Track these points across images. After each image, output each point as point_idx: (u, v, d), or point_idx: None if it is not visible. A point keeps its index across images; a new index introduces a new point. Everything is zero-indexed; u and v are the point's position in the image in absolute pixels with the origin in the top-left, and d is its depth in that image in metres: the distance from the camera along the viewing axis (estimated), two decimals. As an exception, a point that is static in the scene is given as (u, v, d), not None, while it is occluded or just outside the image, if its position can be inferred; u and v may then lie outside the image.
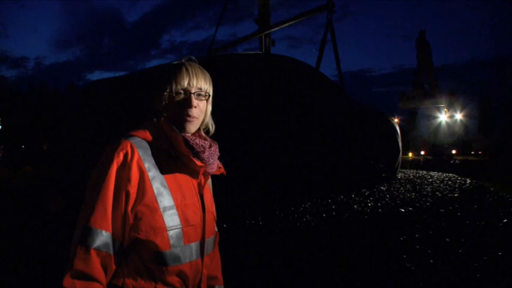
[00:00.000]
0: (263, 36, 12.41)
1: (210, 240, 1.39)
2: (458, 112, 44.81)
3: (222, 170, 1.44)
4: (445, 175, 9.20)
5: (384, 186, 6.28)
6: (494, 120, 53.18)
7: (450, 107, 44.04)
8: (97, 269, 1.16)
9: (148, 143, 1.30)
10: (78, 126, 6.40)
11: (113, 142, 1.26)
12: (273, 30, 12.01)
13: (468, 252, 3.45)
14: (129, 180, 1.20)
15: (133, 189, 1.21)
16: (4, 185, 10.35)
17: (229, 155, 1.48)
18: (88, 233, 1.16)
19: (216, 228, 1.52)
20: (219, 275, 1.54)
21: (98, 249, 1.16)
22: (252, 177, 5.04)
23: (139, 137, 1.29)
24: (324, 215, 4.42)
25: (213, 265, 1.50)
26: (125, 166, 1.21)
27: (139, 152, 1.25)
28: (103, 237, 1.17)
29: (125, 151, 1.23)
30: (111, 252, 1.19)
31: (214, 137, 1.47)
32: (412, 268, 3.11)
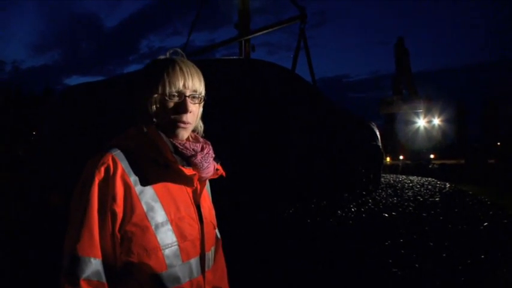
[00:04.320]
0: (243, 42, 12.39)
1: (210, 253, 1.27)
2: (436, 117, 45.65)
3: (221, 171, 1.31)
4: (424, 179, 9.31)
5: (366, 191, 6.31)
6: (469, 125, 54.40)
7: (428, 112, 44.83)
8: None
9: (133, 153, 1.17)
10: (57, 131, 6.26)
11: (94, 156, 1.14)
12: (252, 36, 12.02)
13: (452, 256, 3.48)
14: (113, 198, 1.08)
15: (119, 207, 1.09)
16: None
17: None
18: (76, 263, 1.05)
19: (218, 235, 1.42)
20: (224, 285, 1.41)
21: (88, 279, 1.05)
22: (232, 183, 4.99)
23: (123, 147, 1.16)
24: (309, 220, 4.41)
25: (217, 275, 1.37)
26: (108, 182, 1.09)
27: (122, 165, 1.12)
28: (93, 265, 1.06)
29: (106, 165, 1.10)
30: (104, 280, 1.07)
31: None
32: (398, 273, 3.12)
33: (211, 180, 1.37)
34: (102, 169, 1.10)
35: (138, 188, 1.12)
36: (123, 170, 1.12)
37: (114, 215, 1.08)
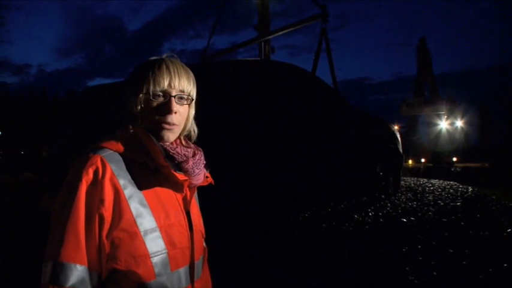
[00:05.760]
0: (263, 43, 12.34)
1: (199, 262, 1.21)
2: (458, 119, 44.78)
3: (210, 179, 1.25)
4: (446, 183, 9.11)
5: (385, 195, 6.18)
6: (493, 128, 53.26)
7: (450, 114, 44.00)
8: None
9: (122, 155, 1.11)
10: (75, 131, 6.32)
11: (80, 157, 1.07)
12: (271, 36, 11.91)
13: (472, 264, 3.34)
14: (102, 201, 1.02)
15: (107, 211, 1.02)
16: (2, 190, 10.27)
17: (225, 162, 1.31)
18: (60, 270, 0.97)
19: (204, 244, 1.34)
20: None
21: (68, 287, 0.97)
22: (249, 185, 4.95)
23: (111, 149, 1.10)
24: (324, 225, 4.32)
25: (204, 286, 1.30)
26: (96, 185, 1.03)
27: (112, 167, 1.06)
28: (78, 272, 0.99)
29: (94, 167, 1.04)
30: None
31: (200, 143, 1.29)
32: (415, 281, 3.01)
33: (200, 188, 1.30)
34: (91, 170, 1.04)
35: (127, 191, 1.06)
36: (112, 173, 1.06)
37: (101, 219, 1.02)
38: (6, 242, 4.81)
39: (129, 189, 1.07)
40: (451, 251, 3.62)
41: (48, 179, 5.87)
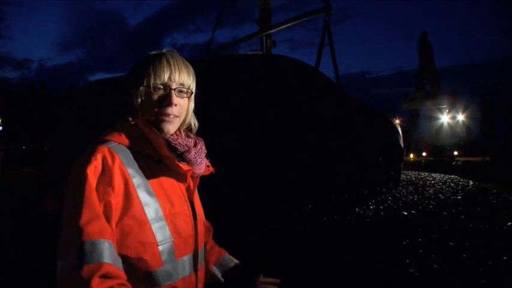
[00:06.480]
0: (264, 38, 12.31)
1: (202, 251, 1.25)
2: (460, 113, 44.70)
3: (211, 169, 1.28)
4: (447, 177, 9.09)
5: (386, 189, 6.18)
6: (495, 122, 53.14)
7: (452, 108, 43.94)
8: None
9: (126, 147, 1.13)
10: (76, 126, 6.32)
11: (86, 150, 1.09)
12: (273, 30, 11.91)
13: (473, 257, 3.36)
14: (112, 188, 1.03)
15: (117, 198, 1.04)
16: (3, 185, 10.31)
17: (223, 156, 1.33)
18: (90, 248, 0.92)
19: (206, 224, 1.41)
20: (223, 253, 1.46)
21: (113, 265, 0.95)
22: (247, 178, 4.95)
23: (116, 141, 1.13)
24: (325, 218, 4.34)
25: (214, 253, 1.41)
26: (105, 172, 1.04)
27: (120, 157, 1.08)
28: (110, 248, 0.96)
29: (103, 155, 1.06)
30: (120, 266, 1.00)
31: (201, 135, 1.32)
32: (416, 274, 3.03)
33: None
34: (99, 157, 1.06)
35: (135, 180, 1.09)
36: (121, 162, 1.09)
37: (110, 206, 1.03)
38: (6, 242, 4.81)
39: (136, 179, 1.10)
40: (452, 244, 3.64)
41: (49, 177, 5.85)
